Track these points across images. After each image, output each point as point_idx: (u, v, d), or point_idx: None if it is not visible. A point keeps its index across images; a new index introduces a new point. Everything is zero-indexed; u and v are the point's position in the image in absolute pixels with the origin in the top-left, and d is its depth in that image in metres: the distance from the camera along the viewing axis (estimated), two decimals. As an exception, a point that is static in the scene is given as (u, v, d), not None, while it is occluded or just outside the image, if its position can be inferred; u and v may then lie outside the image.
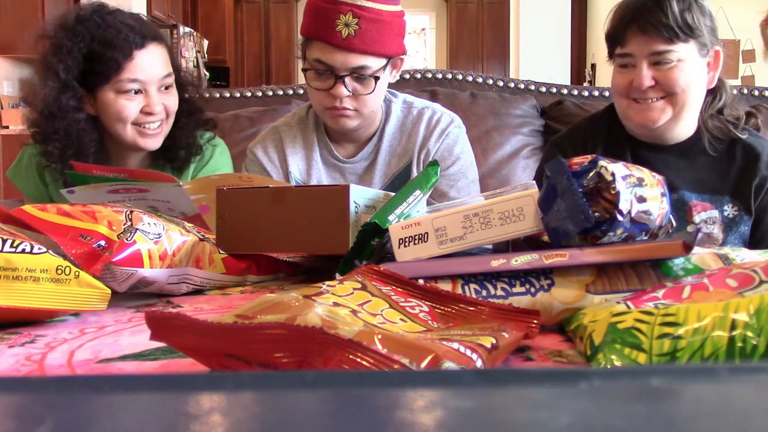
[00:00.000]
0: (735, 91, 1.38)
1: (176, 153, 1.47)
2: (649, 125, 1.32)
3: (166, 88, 1.41)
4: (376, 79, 1.34)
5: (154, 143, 1.42)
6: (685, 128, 1.36)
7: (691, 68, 1.28)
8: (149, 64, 1.37)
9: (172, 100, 1.43)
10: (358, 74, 1.33)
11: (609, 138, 1.43)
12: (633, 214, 0.67)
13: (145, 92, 1.38)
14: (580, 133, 1.46)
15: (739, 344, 0.47)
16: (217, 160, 1.52)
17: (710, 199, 1.35)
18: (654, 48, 1.26)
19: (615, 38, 1.32)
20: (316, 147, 1.47)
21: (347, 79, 1.33)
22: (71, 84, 1.34)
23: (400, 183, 1.41)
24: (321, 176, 1.46)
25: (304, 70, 1.40)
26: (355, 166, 1.47)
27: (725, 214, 1.34)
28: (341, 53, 1.30)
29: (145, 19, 1.45)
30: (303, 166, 1.47)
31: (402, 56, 1.41)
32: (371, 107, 1.38)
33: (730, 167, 1.35)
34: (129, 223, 0.81)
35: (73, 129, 1.35)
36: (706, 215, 1.34)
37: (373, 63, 1.33)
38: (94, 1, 1.41)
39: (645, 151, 1.38)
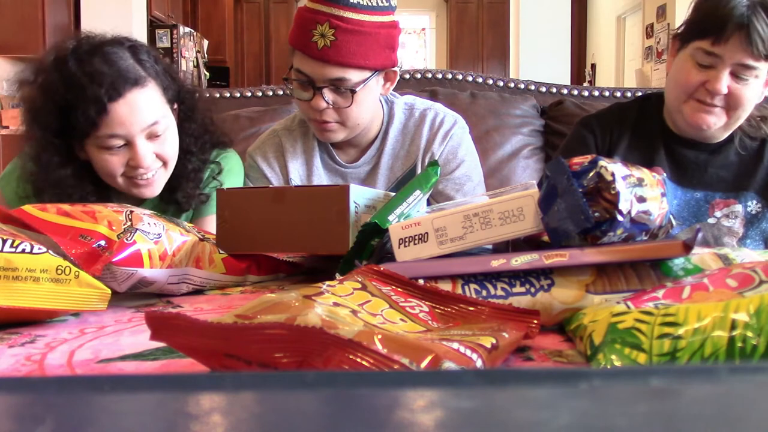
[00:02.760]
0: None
1: (178, 198, 1.34)
2: (703, 128, 1.31)
3: (158, 135, 1.25)
4: (353, 92, 1.29)
5: (150, 191, 1.29)
6: (727, 133, 1.36)
7: (757, 86, 1.27)
8: (128, 115, 1.19)
9: (168, 147, 1.27)
10: (336, 86, 1.29)
11: (637, 129, 1.42)
12: (633, 214, 0.67)
13: (130, 144, 1.21)
14: (610, 118, 1.46)
15: (739, 344, 0.47)
16: (224, 176, 1.39)
17: (735, 196, 1.36)
18: (744, 60, 1.23)
19: (709, 31, 1.25)
20: (316, 152, 1.44)
21: (325, 91, 1.29)
22: (51, 142, 1.23)
23: None
24: (322, 182, 1.43)
25: (285, 80, 1.37)
26: (358, 171, 1.44)
27: (749, 209, 1.35)
28: (317, 64, 1.27)
29: (127, 59, 1.23)
30: (303, 172, 1.44)
31: (393, 68, 1.36)
32: (355, 120, 1.34)
33: (758, 166, 1.36)
34: (129, 223, 0.81)
35: (63, 184, 1.25)
36: (728, 210, 1.35)
37: (353, 75, 1.28)
38: (79, 36, 1.27)
39: (679, 146, 1.38)
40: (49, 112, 1.21)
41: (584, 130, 1.46)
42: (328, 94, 1.30)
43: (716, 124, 1.30)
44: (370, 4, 1.27)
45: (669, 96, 1.37)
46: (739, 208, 1.35)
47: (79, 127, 1.19)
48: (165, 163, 1.28)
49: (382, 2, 1.28)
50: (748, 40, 1.21)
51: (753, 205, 1.35)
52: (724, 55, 1.24)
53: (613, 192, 0.66)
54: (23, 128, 1.28)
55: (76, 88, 1.17)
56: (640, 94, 1.82)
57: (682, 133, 1.37)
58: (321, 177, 1.44)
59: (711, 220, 1.35)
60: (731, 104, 1.28)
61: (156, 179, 1.28)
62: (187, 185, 1.33)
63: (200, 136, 1.37)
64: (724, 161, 1.37)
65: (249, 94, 2.22)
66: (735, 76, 1.25)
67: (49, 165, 1.24)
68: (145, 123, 1.22)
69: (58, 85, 1.19)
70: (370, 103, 1.36)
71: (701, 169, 1.37)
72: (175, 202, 1.34)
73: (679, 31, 1.35)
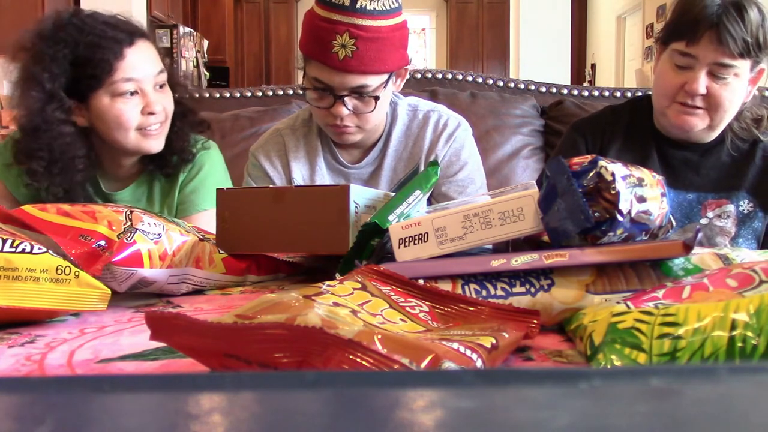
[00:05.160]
0: (755, 92, 1.38)
1: (169, 158, 1.41)
2: (686, 129, 1.31)
3: (161, 86, 1.35)
4: (377, 98, 1.31)
5: (158, 144, 1.36)
6: (714, 134, 1.37)
7: (739, 85, 1.27)
8: (142, 61, 1.30)
9: (169, 101, 1.37)
10: (359, 93, 1.30)
11: (629, 131, 1.43)
12: (633, 214, 0.67)
13: (142, 92, 1.31)
14: (602, 121, 1.47)
15: (739, 344, 0.47)
16: (207, 171, 1.46)
17: (726, 196, 1.36)
18: (720, 59, 1.23)
19: (683, 33, 1.26)
20: (320, 152, 1.44)
21: (347, 99, 1.30)
22: (57, 94, 1.25)
23: None
24: (325, 182, 1.44)
25: (303, 89, 1.37)
26: (361, 172, 1.45)
27: (740, 209, 1.36)
28: (339, 74, 1.27)
29: (125, 18, 1.36)
30: (306, 172, 1.44)
31: (405, 66, 1.37)
32: (374, 122, 1.36)
33: (749, 166, 1.36)
34: (129, 223, 0.81)
35: (57, 143, 1.27)
36: (720, 210, 1.36)
37: (373, 81, 1.29)
38: (69, 8, 1.35)
39: (671, 148, 1.39)
40: (58, 64, 1.26)
41: (575, 134, 1.47)
42: (350, 102, 1.31)
43: (699, 126, 1.30)
44: (384, 8, 1.27)
45: (654, 100, 1.38)
46: (731, 208, 1.35)
47: (93, 75, 1.27)
48: (166, 117, 1.36)
49: (393, 4, 1.28)
50: (720, 38, 1.21)
51: (745, 205, 1.35)
52: (699, 55, 1.25)
53: (613, 192, 0.66)
54: (18, 95, 1.30)
55: (88, 40, 1.26)
56: (639, 94, 1.82)
57: (671, 135, 1.38)
58: (324, 177, 1.44)
59: (703, 221, 1.36)
60: (712, 105, 1.28)
61: (162, 131, 1.36)
62: (177, 140, 1.40)
63: (183, 106, 1.44)
64: (715, 162, 1.37)
65: (249, 94, 2.22)
66: (713, 75, 1.26)
67: (50, 120, 1.27)
68: (155, 71, 1.32)
69: (67, 40, 1.26)
70: (386, 103, 1.38)
71: (693, 171, 1.37)
72: (161, 165, 1.41)
73: (660, 35, 1.35)
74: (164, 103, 1.35)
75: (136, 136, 1.33)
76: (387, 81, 1.32)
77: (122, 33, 1.29)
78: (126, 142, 1.33)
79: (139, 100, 1.31)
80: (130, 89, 1.29)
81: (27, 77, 1.27)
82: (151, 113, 1.32)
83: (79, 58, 1.27)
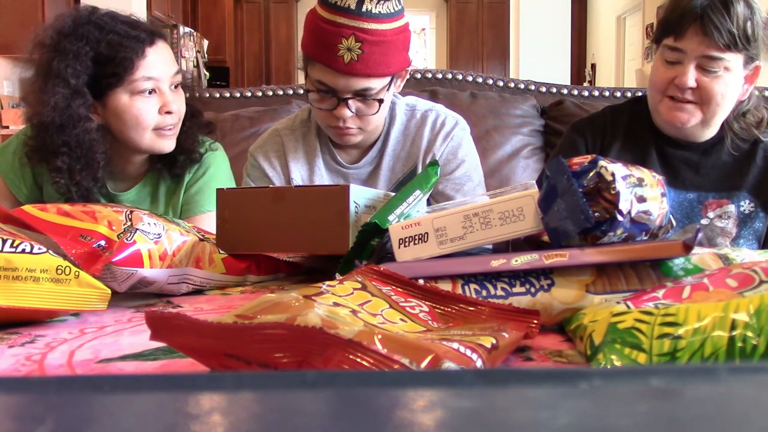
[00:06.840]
0: (756, 93, 1.37)
1: (177, 158, 1.41)
2: (677, 125, 1.32)
3: (176, 87, 1.36)
4: (380, 101, 1.31)
5: (171, 144, 1.36)
6: (710, 131, 1.37)
7: (731, 79, 1.27)
8: (161, 61, 1.32)
9: (182, 101, 1.38)
10: (363, 96, 1.30)
11: (629, 131, 1.43)
12: (633, 214, 0.67)
13: (159, 91, 1.32)
14: (602, 121, 1.47)
15: (739, 344, 0.47)
16: (213, 173, 1.46)
17: (727, 196, 1.36)
18: (707, 52, 1.24)
19: (670, 28, 1.28)
20: (318, 152, 1.45)
21: (350, 101, 1.30)
22: (81, 90, 1.27)
23: None
24: (324, 182, 1.44)
25: (306, 90, 1.37)
26: (359, 172, 1.45)
27: (741, 209, 1.35)
28: (344, 77, 1.26)
29: (142, 19, 1.39)
30: (305, 172, 1.45)
31: (407, 68, 1.37)
32: (375, 123, 1.36)
33: (750, 166, 1.36)
34: (129, 223, 0.81)
35: (85, 139, 1.28)
36: (721, 210, 1.35)
37: (377, 84, 1.29)
38: (86, 5, 1.36)
39: (670, 148, 1.39)
40: (82, 61, 1.26)
41: (575, 134, 1.47)
42: (353, 104, 1.31)
43: (691, 121, 1.31)
44: (389, 11, 1.27)
45: (648, 97, 1.39)
46: (731, 208, 1.35)
47: (115, 73, 1.28)
48: (180, 118, 1.37)
49: (396, 7, 1.29)
50: (705, 30, 1.22)
51: (746, 205, 1.35)
52: (687, 49, 1.26)
53: (613, 192, 0.66)
54: (36, 90, 1.29)
55: (110, 38, 1.27)
56: (639, 94, 1.82)
57: (669, 133, 1.38)
58: (323, 177, 1.44)
59: (704, 221, 1.35)
60: (704, 98, 1.28)
61: (175, 131, 1.37)
62: (185, 141, 1.41)
63: (192, 107, 1.45)
64: (715, 162, 1.37)
65: (249, 94, 2.22)
66: (703, 69, 1.26)
67: (77, 116, 1.27)
68: (172, 71, 1.35)
69: (89, 37, 1.27)
70: (387, 105, 1.38)
71: (693, 170, 1.37)
72: (168, 165, 1.42)
73: (654, 35, 1.37)
74: (179, 104, 1.36)
75: (151, 135, 1.33)
76: (390, 83, 1.32)
77: (143, 32, 1.30)
78: (141, 141, 1.34)
79: (157, 99, 1.32)
80: (149, 88, 1.30)
81: (48, 73, 1.27)
82: (169, 113, 1.33)
83: (101, 56, 1.27)
